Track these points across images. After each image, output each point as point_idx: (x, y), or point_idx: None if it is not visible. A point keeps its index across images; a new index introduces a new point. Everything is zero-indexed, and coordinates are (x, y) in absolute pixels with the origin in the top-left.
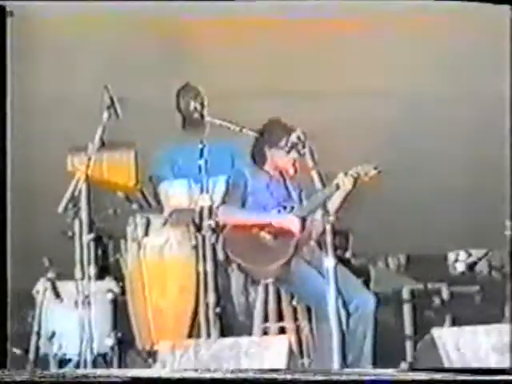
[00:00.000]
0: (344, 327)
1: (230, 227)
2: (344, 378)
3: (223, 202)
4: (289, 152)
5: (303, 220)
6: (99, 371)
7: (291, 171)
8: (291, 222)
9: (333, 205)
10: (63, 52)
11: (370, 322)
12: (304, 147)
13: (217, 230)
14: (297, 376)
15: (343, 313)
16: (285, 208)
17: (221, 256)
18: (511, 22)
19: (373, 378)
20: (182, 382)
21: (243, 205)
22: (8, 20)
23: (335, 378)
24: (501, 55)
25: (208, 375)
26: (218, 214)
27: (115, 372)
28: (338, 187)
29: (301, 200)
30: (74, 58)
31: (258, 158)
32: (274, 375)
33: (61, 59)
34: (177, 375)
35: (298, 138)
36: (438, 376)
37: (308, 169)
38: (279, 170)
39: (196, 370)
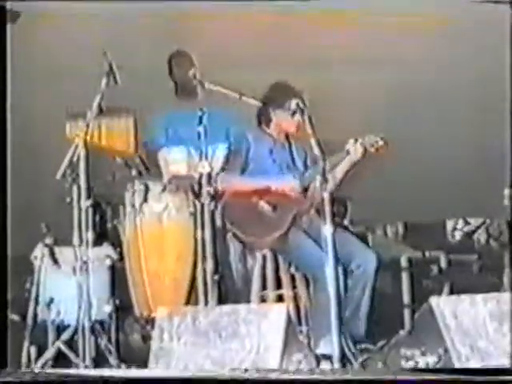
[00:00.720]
0: (342, 294)
1: (229, 195)
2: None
3: (223, 168)
4: (293, 114)
5: (305, 189)
6: (101, 371)
7: (294, 131)
8: (291, 188)
9: (339, 173)
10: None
11: (371, 280)
12: (305, 111)
13: (216, 197)
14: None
15: (341, 281)
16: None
17: (219, 222)
18: (511, 22)
19: (369, 377)
20: (182, 382)
21: (244, 170)
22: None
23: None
24: (501, 55)
25: (208, 374)
26: (218, 182)
27: (115, 372)
28: (348, 153)
29: (306, 166)
30: (72, 26)
31: (263, 119)
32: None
33: (61, 30)
34: (176, 374)
35: (303, 101)
36: (438, 377)
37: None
38: (283, 132)
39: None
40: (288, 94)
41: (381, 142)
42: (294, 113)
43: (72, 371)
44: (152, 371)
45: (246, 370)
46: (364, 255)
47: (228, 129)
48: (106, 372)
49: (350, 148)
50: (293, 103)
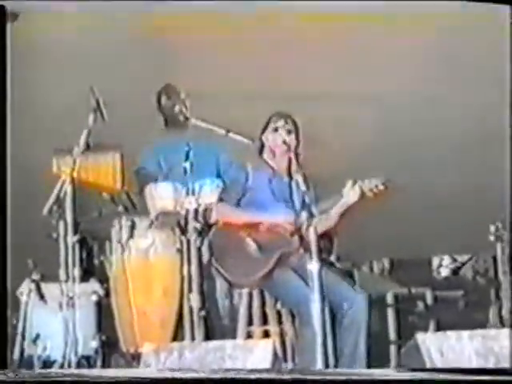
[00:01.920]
0: (329, 331)
1: (219, 227)
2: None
3: (220, 198)
4: (276, 130)
5: (296, 229)
6: (101, 372)
7: (281, 150)
8: (286, 218)
9: (333, 215)
10: (52, 57)
11: (364, 321)
12: (291, 131)
13: (203, 232)
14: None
15: (328, 317)
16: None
17: (206, 258)
18: (511, 22)
19: (364, 378)
20: (175, 382)
21: (240, 200)
22: (8, 21)
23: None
24: (501, 55)
25: (202, 375)
26: (213, 211)
27: (110, 372)
28: (343, 196)
29: (303, 202)
30: (62, 62)
31: (258, 148)
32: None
33: (49, 65)
34: (168, 375)
35: (284, 119)
36: (437, 376)
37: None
38: (273, 152)
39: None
40: (271, 115)
41: (381, 187)
42: (276, 129)
43: (72, 371)
44: (143, 371)
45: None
46: (354, 296)
47: (218, 162)
48: (105, 372)
49: (348, 190)
50: (273, 120)
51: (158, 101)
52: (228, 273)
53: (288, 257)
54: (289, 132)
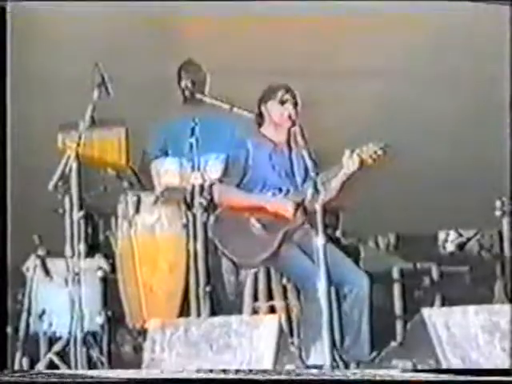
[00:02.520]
0: (334, 307)
1: (223, 208)
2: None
3: (221, 178)
4: (282, 103)
5: (298, 205)
6: (99, 373)
7: (287, 124)
8: (286, 208)
9: (335, 185)
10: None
11: (366, 303)
12: (297, 105)
13: (208, 208)
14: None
15: (333, 292)
16: (281, 190)
17: (211, 234)
18: (511, 22)
19: (368, 378)
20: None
21: (242, 179)
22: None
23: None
24: (501, 55)
25: (200, 375)
26: (213, 193)
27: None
28: (343, 165)
29: (306, 174)
30: (67, 38)
31: (259, 120)
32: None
33: (55, 40)
34: (169, 376)
35: (291, 92)
36: (439, 377)
37: (300, 145)
38: (280, 129)
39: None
40: (276, 87)
41: (380, 152)
42: (282, 102)
43: (71, 372)
44: (148, 373)
45: (238, 371)
46: (356, 278)
47: (226, 137)
48: (104, 373)
49: (346, 160)
50: (280, 93)
51: (178, 77)
52: (233, 254)
53: (292, 234)
54: (295, 105)
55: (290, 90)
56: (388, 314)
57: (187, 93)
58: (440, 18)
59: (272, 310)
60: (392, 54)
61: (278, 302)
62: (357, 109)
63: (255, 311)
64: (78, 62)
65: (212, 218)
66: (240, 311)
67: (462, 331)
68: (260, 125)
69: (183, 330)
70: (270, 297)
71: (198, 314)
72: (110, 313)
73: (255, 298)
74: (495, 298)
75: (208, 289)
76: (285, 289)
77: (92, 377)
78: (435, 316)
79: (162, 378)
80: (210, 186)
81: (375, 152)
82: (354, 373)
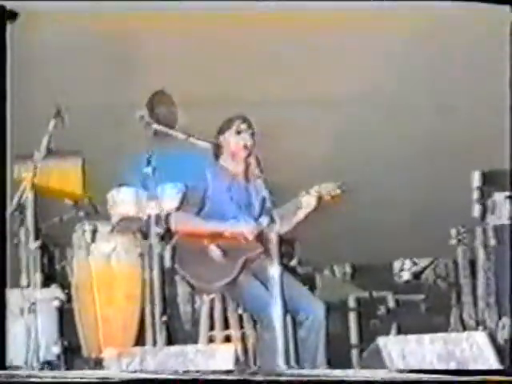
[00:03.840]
0: (290, 334)
1: (180, 236)
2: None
3: (179, 206)
4: (239, 133)
5: (258, 233)
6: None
7: (243, 154)
8: (246, 234)
9: (292, 222)
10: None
11: (322, 330)
12: (253, 134)
13: (165, 238)
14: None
15: (289, 320)
16: (239, 221)
17: (168, 263)
18: (511, 22)
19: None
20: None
21: (201, 210)
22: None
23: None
24: (501, 55)
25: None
26: (171, 221)
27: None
28: (301, 205)
29: (263, 204)
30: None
31: (216, 151)
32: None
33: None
34: (147, 376)
35: (247, 122)
36: (436, 377)
37: (256, 175)
38: (237, 159)
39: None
40: (233, 117)
41: (338, 191)
42: (239, 132)
43: (69, 373)
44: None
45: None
46: (311, 305)
47: (182, 167)
48: (102, 374)
49: (305, 199)
50: (237, 122)
51: (151, 106)
52: (193, 278)
53: (251, 262)
54: (251, 135)
55: (246, 119)
56: (344, 342)
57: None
58: (440, 18)
59: (228, 338)
60: (362, 77)
61: (234, 331)
62: (316, 138)
63: (211, 340)
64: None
65: (171, 244)
66: (196, 340)
67: (417, 360)
68: (218, 156)
69: (139, 359)
70: (226, 326)
71: (154, 344)
72: (66, 342)
73: (211, 327)
74: (451, 327)
75: (164, 318)
76: (241, 317)
77: (92, 377)
78: (391, 344)
79: (162, 378)
80: (167, 214)
81: (333, 190)
82: (352, 373)
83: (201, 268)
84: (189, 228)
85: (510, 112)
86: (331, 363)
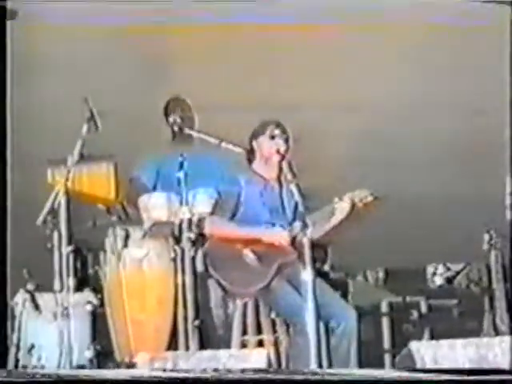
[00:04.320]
0: (322, 341)
1: (214, 240)
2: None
3: (213, 211)
4: (272, 138)
5: (292, 238)
6: (99, 373)
7: (276, 159)
8: (281, 239)
9: (326, 227)
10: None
11: (354, 337)
12: (287, 140)
13: (197, 242)
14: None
15: (321, 327)
16: (273, 226)
17: (200, 268)
18: (511, 21)
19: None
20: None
21: (234, 215)
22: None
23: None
24: (501, 55)
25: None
26: (205, 225)
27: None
28: (334, 212)
29: (295, 209)
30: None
31: (250, 157)
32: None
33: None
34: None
35: (281, 127)
36: (437, 377)
37: (289, 180)
38: (266, 161)
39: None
40: (266, 122)
41: (370, 198)
42: (273, 137)
43: (70, 372)
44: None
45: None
46: (343, 312)
47: (214, 172)
48: (103, 374)
49: (337, 206)
50: (270, 128)
51: (165, 114)
52: (226, 282)
53: (285, 267)
54: (285, 141)
55: (280, 124)
56: (377, 347)
57: (176, 128)
58: (439, 18)
59: (260, 343)
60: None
61: (267, 336)
62: (349, 144)
63: (244, 345)
64: (65, 96)
65: (204, 248)
66: (228, 345)
67: (450, 364)
68: (251, 161)
69: (171, 363)
70: (259, 330)
71: (187, 348)
72: (98, 347)
73: (244, 331)
74: (483, 332)
75: (196, 323)
76: (273, 322)
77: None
78: (423, 349)
79: (163, 378)
80: (200, 219)
81: (366, 197)
82: (353, 373)
83: (235, 272)
84: (223, 232)
85: (510, 112)
86: (364, 368)
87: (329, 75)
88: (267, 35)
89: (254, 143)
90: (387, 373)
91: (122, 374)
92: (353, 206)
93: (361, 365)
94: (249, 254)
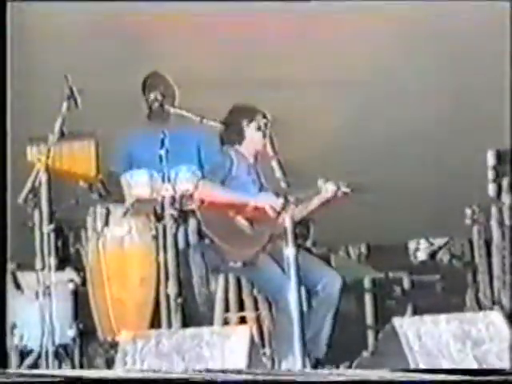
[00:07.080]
0: (305, 318)
1: (207, 205)
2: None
3: (203, 177)
4: (259, 129)
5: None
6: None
7: (260, 146)
8: (274, 202)
9: (309, 208)
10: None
11: (335, 302)
12: (266, 135)
13: (179, 219)
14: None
15: (304, 303)
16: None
17: (182, 246)
18: (511, 21)
19: (366, 378)
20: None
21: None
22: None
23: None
24: (501, 54)
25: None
26: (198, 189)
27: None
28: (319, 192)
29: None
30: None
31: (234, 137)
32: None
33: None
34: (139, 375)
35: (267, 119)
36: (437, 377)
37: (270, 157)
38: (254, 151)
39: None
40: (254, 111)
41: (346, 190)
42: (259, 128)
43: (64, 372)
44: (114, 372)
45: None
46: (329, 276)
47: (195, 150)
48: (97, 373)
49: (322, 186)
50: (259, 118)
51: (143, 90)
52: (222, 243)
53: (277, 239)
54: (268, 129)
55: (265, 116)
56: (359, 323)
57: (156, 105)
58: (439, 18)
59: (243, 320)
60: (377, 63)
61: (249, 313)
62: (329, 122)
63: (226, 322)
64: (45, 73)
65: (199, 214)
66: (211, 322)
67: (433, 340)
68: (234, 142)
69: (154, 341)
70: (241, 307)
71: (169, 326)
72: (81, 325)
73: (226, 308)
74: (466, 307)
75: (179, 300)
76: (255, 299)
77: (87, 377)
78: (406, 325)
79: (163, 378)
80: (181, 196)
81: (343, 188)
82: (351, 373)
83: (230, 235)
84: (216, 196)
85: (510, 112)
86: (347, 344)
87: (316, 53)
88: (254, 11)
89: (245, 128)
90: (379, 373)
91: (122, 373)
92: (337, 188)
93: (333, 331)
94: (241, 221)
